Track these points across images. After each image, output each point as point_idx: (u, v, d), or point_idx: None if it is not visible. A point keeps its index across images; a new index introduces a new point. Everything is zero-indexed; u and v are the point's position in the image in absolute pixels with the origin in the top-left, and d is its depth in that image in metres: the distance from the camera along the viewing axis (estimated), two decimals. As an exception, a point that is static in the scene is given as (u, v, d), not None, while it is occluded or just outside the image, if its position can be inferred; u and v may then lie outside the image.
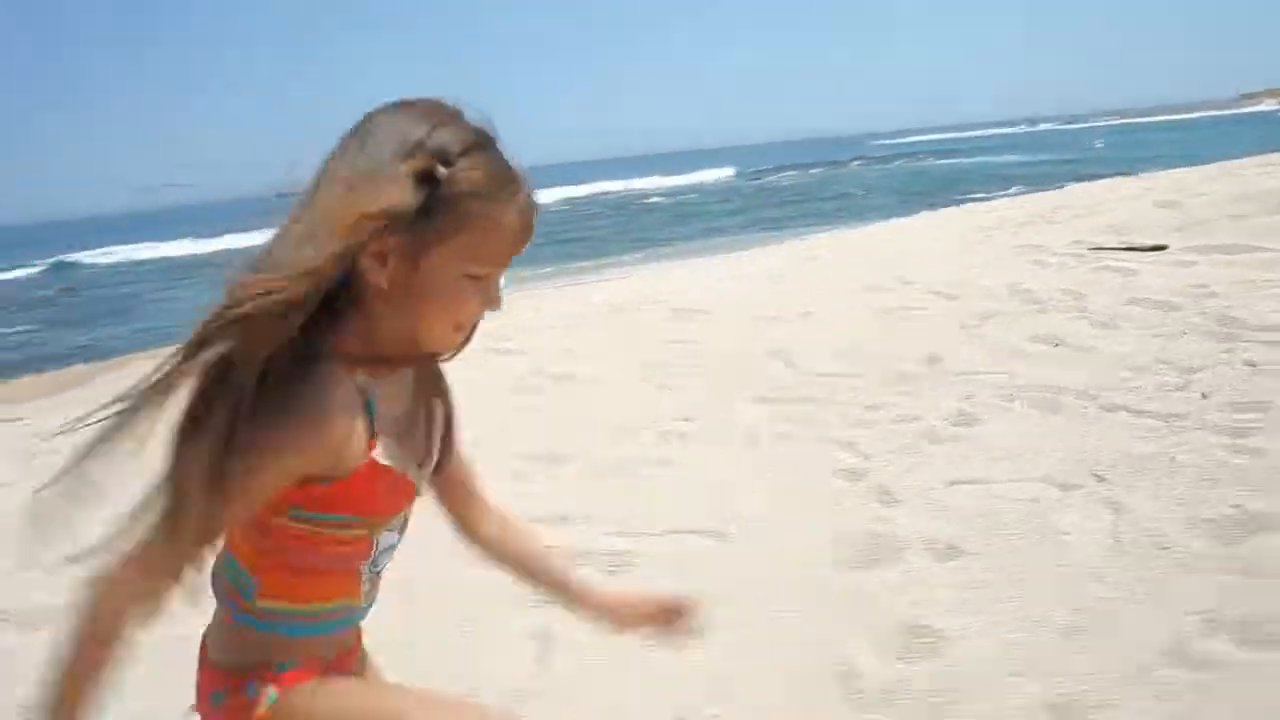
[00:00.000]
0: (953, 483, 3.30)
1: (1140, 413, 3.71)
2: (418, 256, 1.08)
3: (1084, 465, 3.29)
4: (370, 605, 1.30)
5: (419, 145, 1.06)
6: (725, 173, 53.60)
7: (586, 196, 44.28)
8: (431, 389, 1.27)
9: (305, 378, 1.07)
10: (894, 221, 13.24)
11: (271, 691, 1.18)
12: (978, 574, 2.69)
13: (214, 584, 1.22)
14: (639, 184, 49.29)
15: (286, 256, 1.04)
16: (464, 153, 1.07)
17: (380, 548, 1.24)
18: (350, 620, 1.28)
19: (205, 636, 1.26)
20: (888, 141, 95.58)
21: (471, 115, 1.11)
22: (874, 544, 2.92)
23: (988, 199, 16.15)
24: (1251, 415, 3.54)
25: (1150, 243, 6.86)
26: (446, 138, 1.07)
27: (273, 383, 1.04)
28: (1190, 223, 7.72)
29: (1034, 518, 2.96)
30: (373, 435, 1.13)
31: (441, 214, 1.06)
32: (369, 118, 1.11)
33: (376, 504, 1.18)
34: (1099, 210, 9.52)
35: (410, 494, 1.22)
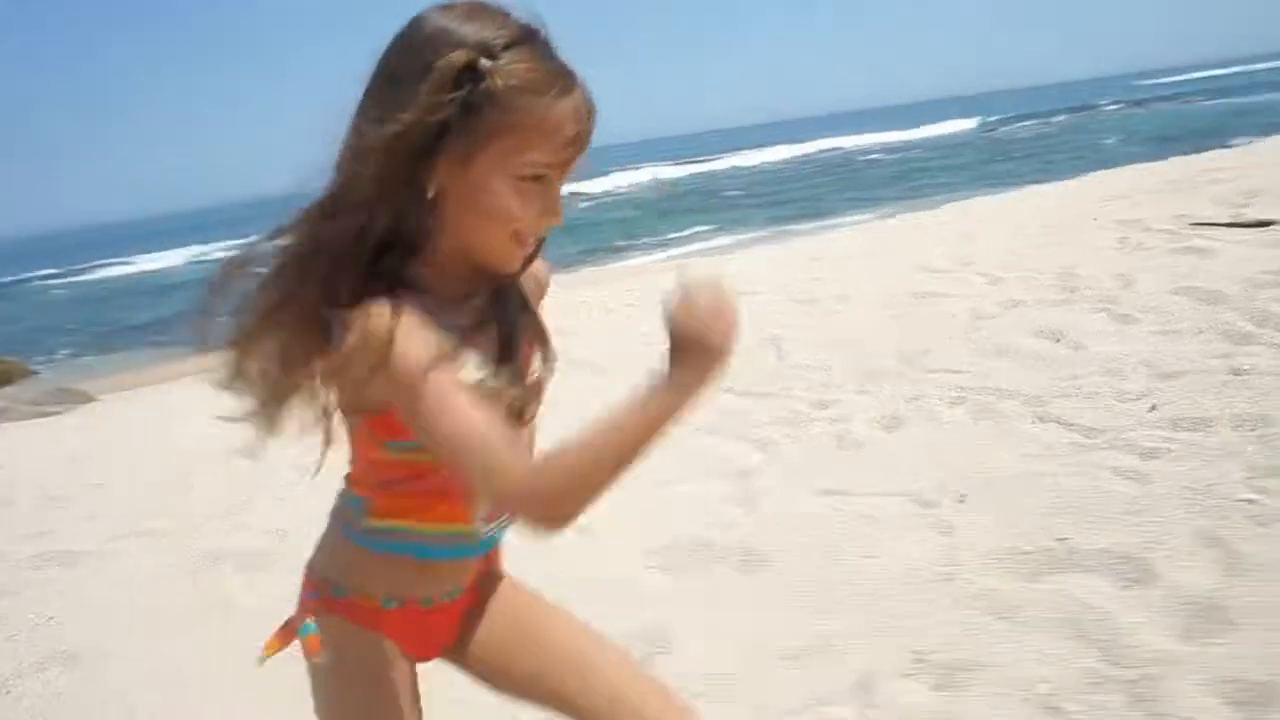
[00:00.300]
0: (823, 491, 3.29)
1: (1069, 425, 3.51)
2: (466, 159, 1.05)
3: (959, 482, 3.19)
4: (501, 533, 1.28)
5: (461, 41, 1.04)
6: (965, 124, 49.87)
7: (801, 156, 43.13)
8: (510, 299, 1.21)
9: (368, 303, 1.04)
10: (1092, 175, 12.19)
11: (311, 621, 1.21)
12: (759, 588, 2.73)
13: (337, 507, 1.27)
14: (879, 138, 47.01)
15: (341, 190, 1.05)
16: (508, 46, 1.04)
17: None
18: (466, 550, 1.26)
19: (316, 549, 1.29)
20: (1155, 81, 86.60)
21: (519, 14, 1.08)
22: (693, 551, 3.01)
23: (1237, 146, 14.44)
24: (1182, 435, 3.27)
25: (1260, 217, 6.18)
26: (489, 33, 1.05)
27: (343, 307, 1.04)
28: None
29: (861, 536, 2.94)
30: (440, 359, 1.06)
31: (486, 111, 1.03)
32: (413, 19, 1.08)
33: None
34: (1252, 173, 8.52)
35: (510, 416, 1.16)
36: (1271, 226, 5.93)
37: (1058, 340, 4.50)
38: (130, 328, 17.71)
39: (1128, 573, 2.49)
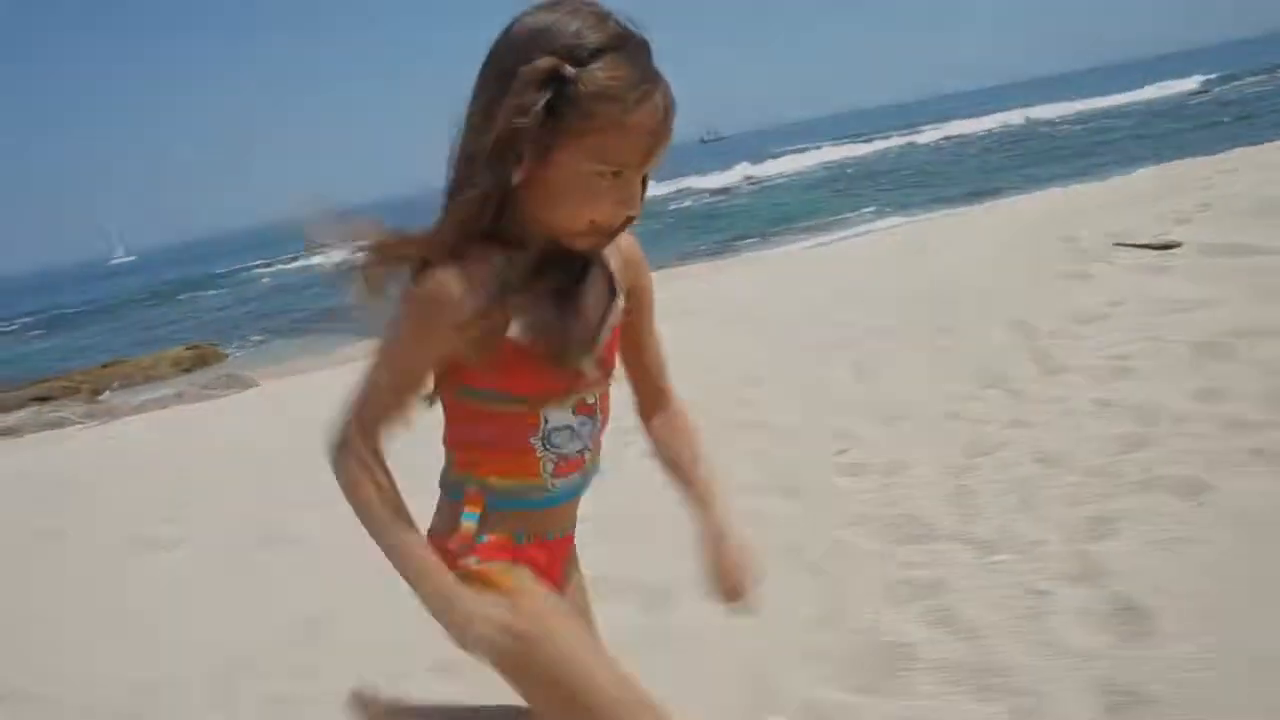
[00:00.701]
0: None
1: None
2: (548, 153, 1.15)
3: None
4: (571, 491, 1.35)
5: (551, 46, 1.12)
6: (1184, 85, 44.08)
7: (972, 133, 40.22)
8: (595, 280, 1.29)
9: (439, 265, 1.17)
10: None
11: (474, 557, 1.28)
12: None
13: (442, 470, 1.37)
14: (1075, 107, 42.16)
15: (459, 184, 1.18)
16: (596, 53, 1.12)
17: (550, 425, 1.28)
18: (540, 502, 1.32)
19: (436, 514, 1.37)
20: None
21: (619, 16, 1.16)
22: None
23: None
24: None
25: (1164, 240, 6.30)
26: (581, 38, 1.13)
27: (419, 268, 1.18)
28: (1250, 209, 6.73)
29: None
30: (505, 316, 1.20)
31: (568, 113, 1.13)
32: (515, 19, 1.17)
33: (522, 381, 1.24)
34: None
35: (563, 376, 1.26)
36: (1177, 250, 6.11)
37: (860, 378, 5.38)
38: (316, 314, 18.95)
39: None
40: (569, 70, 1.12)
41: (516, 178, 1.16)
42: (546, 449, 1.29)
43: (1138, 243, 6.50)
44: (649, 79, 1.16)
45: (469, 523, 1.29)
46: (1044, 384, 4.17)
